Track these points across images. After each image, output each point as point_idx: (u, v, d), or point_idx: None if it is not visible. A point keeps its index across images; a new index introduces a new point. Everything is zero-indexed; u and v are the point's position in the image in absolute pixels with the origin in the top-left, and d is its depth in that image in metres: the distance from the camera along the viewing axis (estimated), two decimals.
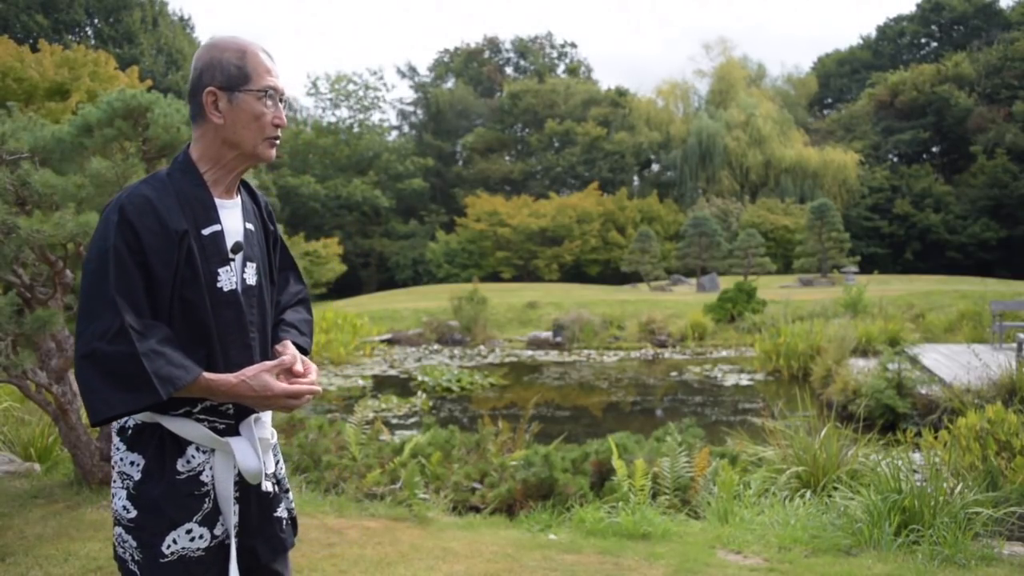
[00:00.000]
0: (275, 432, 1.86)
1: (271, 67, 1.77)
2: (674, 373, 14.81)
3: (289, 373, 1.76)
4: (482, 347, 19.75)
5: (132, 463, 1.68)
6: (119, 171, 4.21)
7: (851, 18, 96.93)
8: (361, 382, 13.88)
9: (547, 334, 20.24)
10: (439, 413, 10.82)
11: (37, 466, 5.46)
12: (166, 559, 1.64)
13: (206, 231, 1.70)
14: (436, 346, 20.30)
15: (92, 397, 1.58)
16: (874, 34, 56.13)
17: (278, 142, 1.79)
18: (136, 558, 1.66)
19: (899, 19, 54.22)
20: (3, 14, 32.74)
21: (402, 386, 13.40)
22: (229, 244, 1.74)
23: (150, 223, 1.63)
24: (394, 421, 9.98)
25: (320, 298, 34.91)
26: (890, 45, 54.64)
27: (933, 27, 52.68)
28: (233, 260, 1.75)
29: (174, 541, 1.65)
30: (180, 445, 1.68)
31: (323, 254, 37.28)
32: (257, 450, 1.73)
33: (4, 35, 20.68)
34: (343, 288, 39.04)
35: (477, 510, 5.19)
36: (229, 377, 1.66)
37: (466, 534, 4.37)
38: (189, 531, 1.66)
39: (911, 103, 45.30)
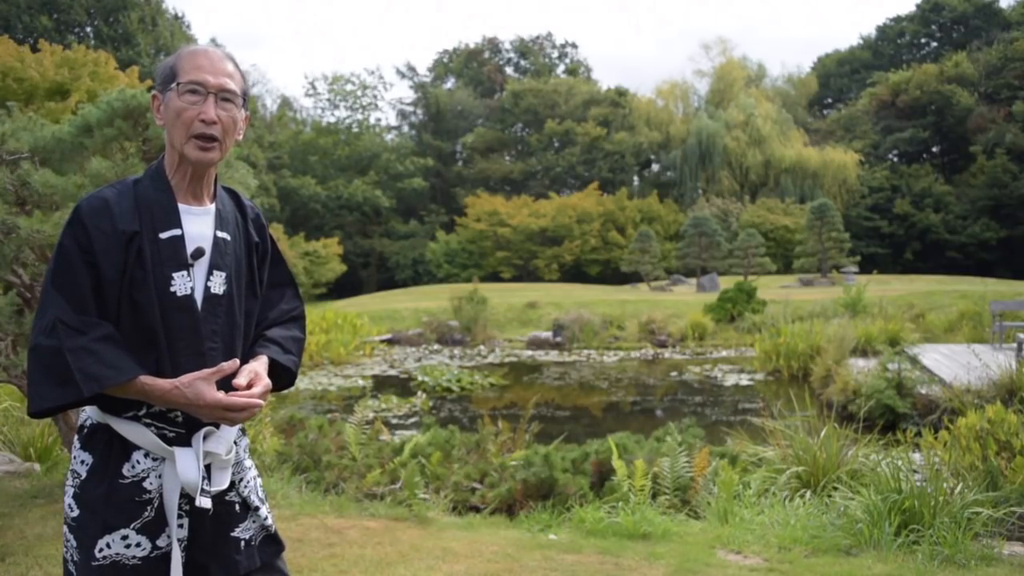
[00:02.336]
0: (238, 449, 1.79)
1: (206, 64, 1.71)
2: (674, 373, 14.81)
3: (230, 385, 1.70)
4: (482, 347, 19.75)
5: (82, 462, 1.68)
6: (119, 171, 4.21)
7: (851, 18, 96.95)
8: (361, 382, 13.88)
9: (547, 334, 20.25)
10: (439, 413, 10.82)
11: (37, 466, 5.46)
12: (97, 562, 1.62)
13: (164, 235, 1.68)
14: (436, 346, 20.30)
15: (31, 389, 1.62)
16: (874, 34, 56.15)
17: (213, 143, 1.71)
18: (74, 558, 1.65)
19: (899, 19, 54.21)
20: (4, 14, 32.75)
21: (402, 386, 13.40)
22: (190, 249, 1.71)
23: (102, 224, 1.64)
24: (394, 421, 9.98)
25: (320, 298, 34.95)
26: (890, 45, 54.64)
27: (933, 27, 52.68)
28: (192, 266, 1.71)
29: (107, 545, 1.63)
30: (127, 449, 1.66)
31: (323, 254, 37.31)
32: (199, 463, 1.67)
33: (5, 35, 20.69)
34: (343, 288, 39.07)
35: (477, 510, 5.19)
36: (164, 382, 1.62)
37: (466, 534, 4.37)
38: (125, 537, 1.63)
39: (912, 102, 45.30)
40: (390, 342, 20.59)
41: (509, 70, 60.34)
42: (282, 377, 1.85)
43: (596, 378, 14.40)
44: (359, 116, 52.77)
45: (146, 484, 1.66)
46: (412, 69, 57.47)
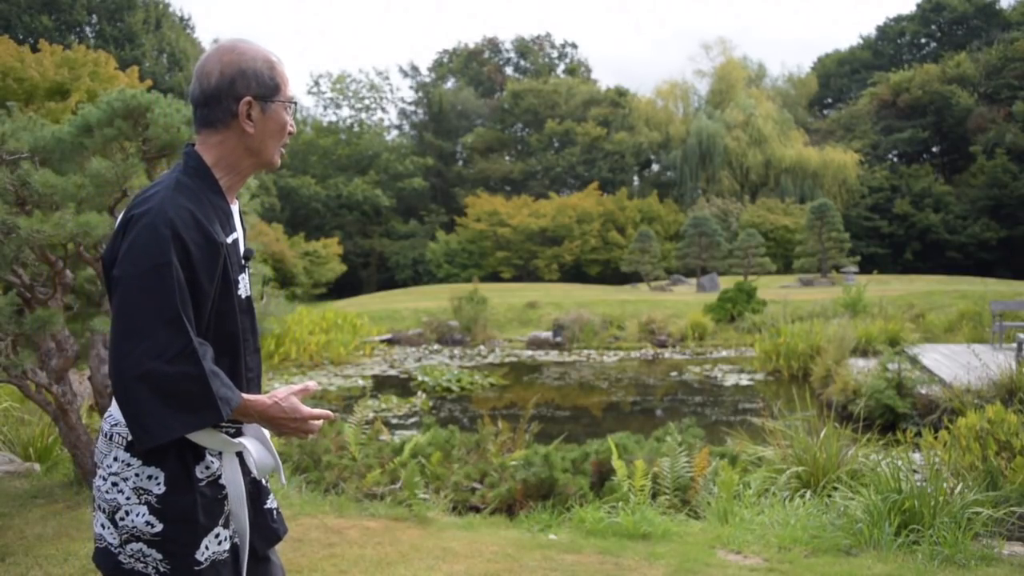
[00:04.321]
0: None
1: (288, 77, 1.80)
2: (674, 373, 14.81)
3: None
4: (482, 347, 19.75)
5: (150, 477, 1.65)
6: (119, 171, 4.21)
7: (851, 18, 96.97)
8: (361, 382, 13.88)
9: (547, 334, 20.24)
10: (439, 413, 10.82)
11: (37, 466, 5.46)
12: (201, 567, 1.64)
13: (229, 239, 1.70)
14: (436, 346, 20.30)
15: (147, 419, 1.53)
16: (874, 34, 56.13)
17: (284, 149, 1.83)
18: (163, 570, 1.63)
19: (899, 19, 54.18)
20: (5, 14, 32.74)
21: (402, 386, 13.40)
22: (242, 250, 1.76)
23: (195, 236, 1.60)
24: (394, 421, 9.98)
25: (320, 298, 34.94)
26: (890, 45, 54.64)
27: (933, 27, 52.67)
28: (247, 266, 1.77)
29: (206, 548, 1.65)
30: (198, 453, 1.68)
31: (323, 254, 37.30)
32: (270, 447, 1.76)
33: (5, 35, 20.69)
34: (343, 288, 39.06)
35: (477, 510, 5.19)
36: (263, 398, 1.68)
37: (466, 534, 4.37)
38: (217, 535, 1.68)
39: (913, 102, 45.29)
40: (390, 342, 20.59)
41: (509, 70, 60.33)
42: None
43: (596, 378, 14.40)
44: (362, 116, 52.82)
45: (221, 481, 1.70)
46: (415, 69, 57.53)
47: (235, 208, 1.80)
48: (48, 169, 4.36)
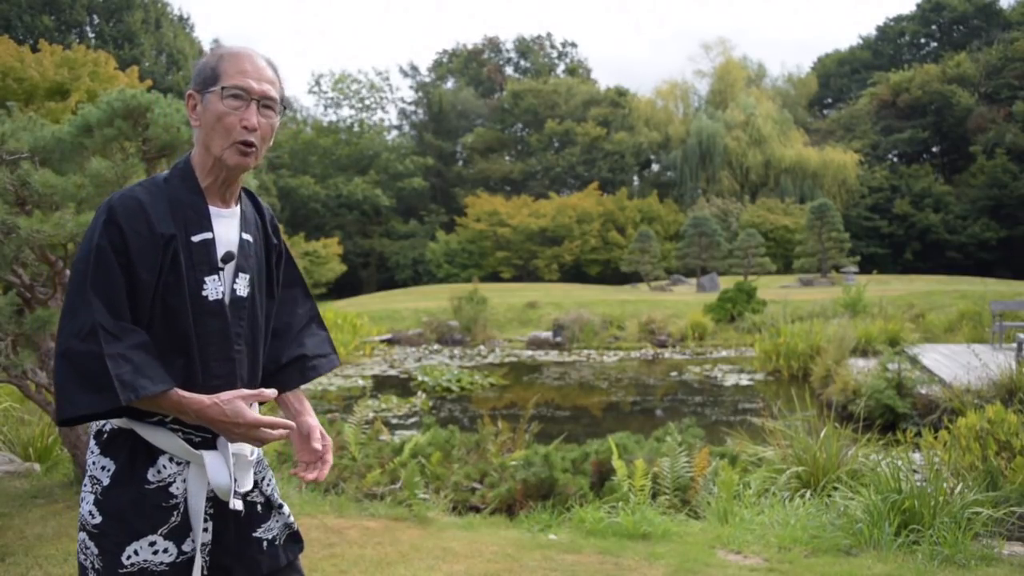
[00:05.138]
0: (258, 450, 1.79)
1: (250, 69, 1.69)
2: (674, 373, 14.81)
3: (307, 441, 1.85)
4: (482, 347, 19.75)
5: (103, 468, 1.64)
6: (119, 171, 4.21)
7: (851, 18, 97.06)
8: (361, 382, 13.88)
9: (547, 334, 20.24)
10: (439, 413, 10.82)
11: (37, 466, 5.46)
12: (125, 570, 1.60)
13: (196, 238, 1.67)
14: (436, 346, 20.30)
15: (59, 395, 1.56)
16: (874, 34, 56.15)
17: (252, 149, 1.70)
18: (96, 566, 1.62)
19: (899, 19, 54.21)
20: (5, 14, 32.73)
21: (402, 386, 13.40)
22: (220, 253, 1.70)
23: (137, 226, 1.60)
24: (394, 421, 9.98)
25: (320, 298, 34.91)
26: (890, 45, 54.65)
27: (933, 27, 52.69)
28: (222, 270, 1.70)
29: (135, 552, 1.60)
30: (152, 454, 1.64)
31: (323, 254, 37.31)
32: (230, 465, 1.68)
33: (5, 35, 20.68)
34: (343, 288, 39.07)
35: (477, 510, 5.19)
36: (203, 398, 1.61)
37: (466, 534, 4.37)
38: (152, 543, 1.62)
39: (913, 102, 45.30)
40: (390, 342, 20.59)
41: (509, 70, 60.35)
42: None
43: (596, 378, 14.40)
44: (363, 116, 52.82)
45: (172, 489, 1.64)
46: (415, 69, 57.60)
47: (226, 211, 1.75)
48: (48, 169, 4.36)
